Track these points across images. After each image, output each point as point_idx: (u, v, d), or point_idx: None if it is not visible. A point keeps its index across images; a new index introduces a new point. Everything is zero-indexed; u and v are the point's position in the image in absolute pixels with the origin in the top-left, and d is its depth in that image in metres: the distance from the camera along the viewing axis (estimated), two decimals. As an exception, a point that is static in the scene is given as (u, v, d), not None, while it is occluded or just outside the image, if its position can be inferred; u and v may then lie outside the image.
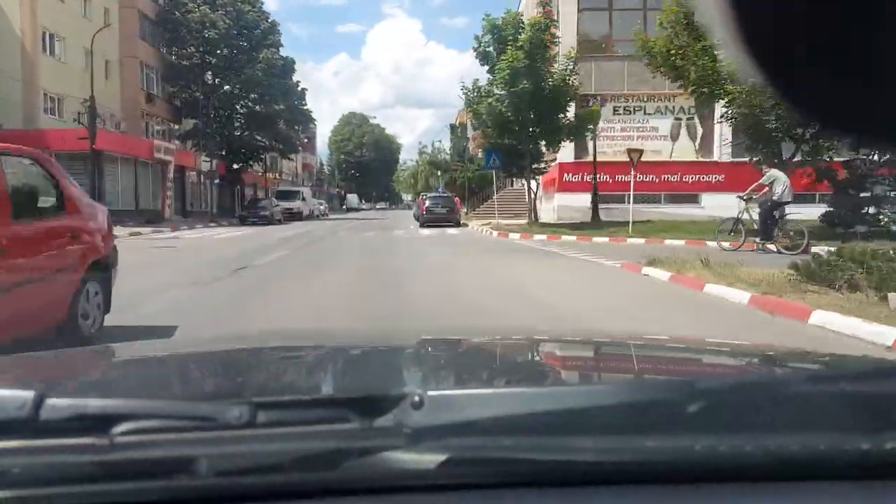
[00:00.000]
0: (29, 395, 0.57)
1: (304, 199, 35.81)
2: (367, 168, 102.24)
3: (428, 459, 0.56)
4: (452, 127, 43.68)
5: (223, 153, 34.40)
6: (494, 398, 0.67)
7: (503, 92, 16.43)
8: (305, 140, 47.71)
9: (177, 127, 34.88)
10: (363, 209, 79.68)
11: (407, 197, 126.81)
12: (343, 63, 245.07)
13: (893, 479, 0.60)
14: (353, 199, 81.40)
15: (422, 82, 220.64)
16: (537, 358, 1.37)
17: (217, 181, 29.33)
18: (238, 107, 35.37)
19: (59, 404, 0.57)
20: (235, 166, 34.75)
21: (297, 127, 36.53)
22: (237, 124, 35.72)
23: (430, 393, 0.61)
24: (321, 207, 45.45)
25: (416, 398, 0.59)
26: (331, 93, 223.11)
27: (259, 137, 35.75)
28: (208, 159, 28.70)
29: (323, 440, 0.57)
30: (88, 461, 0.55)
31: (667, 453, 0.59)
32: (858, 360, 1.28)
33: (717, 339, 2.27)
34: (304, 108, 36.53)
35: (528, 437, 0.59)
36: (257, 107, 35.61)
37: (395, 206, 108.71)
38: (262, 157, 37.00)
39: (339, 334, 2.06)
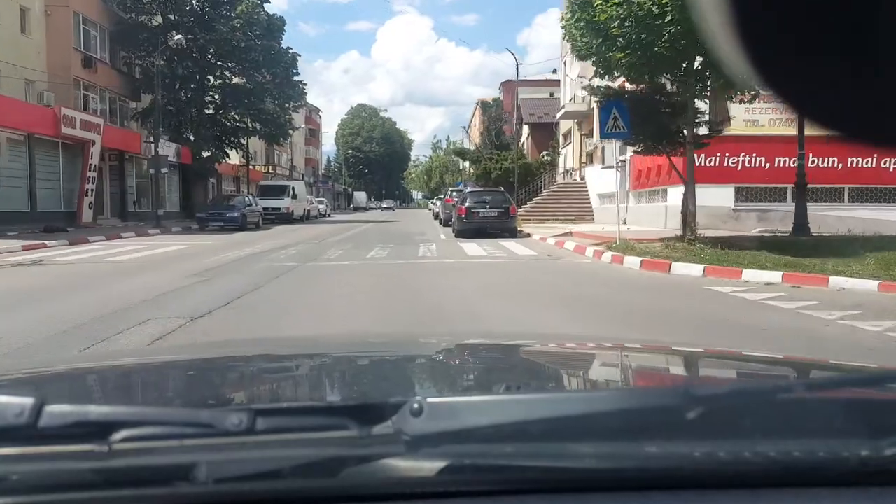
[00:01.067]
0: (28, 401, 0.56)
1: (293, 195, 27.69)
2: (377, 164, 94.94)
3: (427, 466, 0.56)
4: (485, 105, 35.10)
5: (190, 137, 26.39)
6: (494, 405, 0.66)
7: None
8: (298, 127, 39.52)
9: (134, 105, 26.80)
10: (372, 208, 72.22)
11: (417, 195, 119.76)
12: (353, 61, 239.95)
13: (893, 486, 0.59)
14: (360, 196, 73.32)
15: (431, 80, 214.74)
16: (536, 365, 1.34)
17: (165, 170, 21.07)
18: (211, 77, 27.31)
19: (58, 411, 0.57)
20: (206, 154, 26.68)
21: (287, 105, 28.39)
22: (209, 99, 27.66)
23: (430, 400, 0.60)
24: (321, 206, 37.42)
25: (416, 405, 0.58)
26: (341, 90, 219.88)
27: (238, 117, 27.67)
28: (151, 140, 20.53)
29: (322, 447, 0.57)
30: (87, 468, 0.54)
31: (666, 459, 0.59)
32: (857, 367, 1.23)
33: (716, 346, 2.26)
34: (297, 79, 28.44)
35: (528, 444, 0.59)
36: (235, 77, 27.56)
37: (404, 205, 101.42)
38: (243, 142, 28.85)
39: (339, 342, 1.90)
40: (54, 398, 0.60)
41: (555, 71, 35.73)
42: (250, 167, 41.33)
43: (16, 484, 0.54)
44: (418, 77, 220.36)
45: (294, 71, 28.06)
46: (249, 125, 28.23)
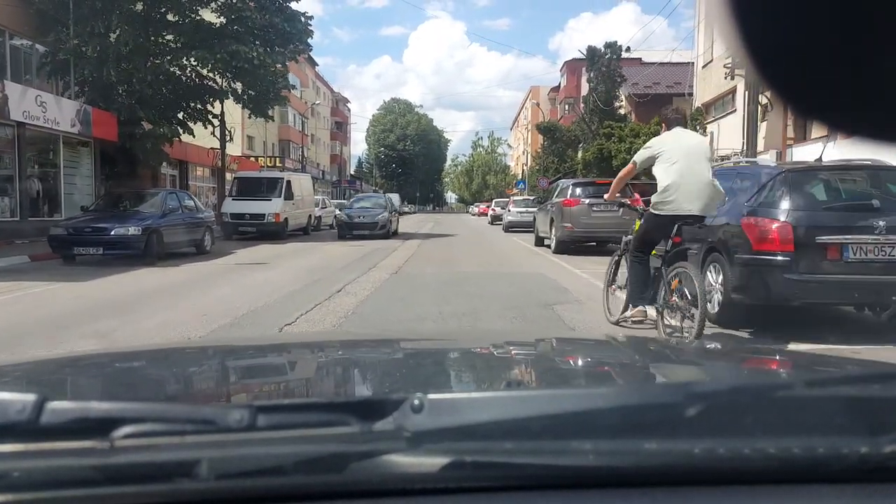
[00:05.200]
0: (30, 398, 0.56)
1: (287, 195, 16.96)
2: (411, 164, 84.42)
3: (428, 463, 0.56)
4: (592, 53, 23.12)
5: (122, 98, 15.94)
6: (494, 401, 0.66)
7: None
8: (294, 87, 29.04)
9: (43, 50, 16.42)
10: (406, 212, 61.68)
11: (451, 197, 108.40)
12: (386, 65, 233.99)
13: (892, 483, 0.59)
14: (393, 200, 62.33)
15: (462, 84, 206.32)
16: (537, 361, 1.32)
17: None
18: (165, 8, 16.85)
19: (60, 408, 0.57)
20: (146, 125, 16.14)
21: (279, 48, 17.71)
22: (158, 40, 17.19)
23: (431, 396, 0.59)
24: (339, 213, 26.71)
25: (416, 401, 0.58)
26: (373, 95, 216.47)
27: (200, 68, 17.09)
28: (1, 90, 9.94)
29: (323, 443, 0.57)
30: (89, 465, 0.54)
31: (666, 456, 0.59)
32: (857, 364, 1.22)
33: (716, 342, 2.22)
34: (295, 7, 17.55)
35: (528, 441, 0.58)
36: (202, 9, 17.07)
37: (438, 209, 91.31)
38: (212, 110, 18.20)
39: (341, 338, 1.92)
40: (56, 394, 0.59)
41: (628, 49, 25.68)
42: (252, 159, 30.99)
43: (17, 480, 0.53)
44: (449, 81, 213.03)
45: (290, -6, 17.25)
46: (220, 83, 17.61)
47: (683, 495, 0.58)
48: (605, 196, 4.85)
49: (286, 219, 16.73)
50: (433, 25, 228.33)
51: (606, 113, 21.12)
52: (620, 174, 4.58)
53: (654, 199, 4.25)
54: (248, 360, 1.28)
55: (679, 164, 4.06)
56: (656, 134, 16.89)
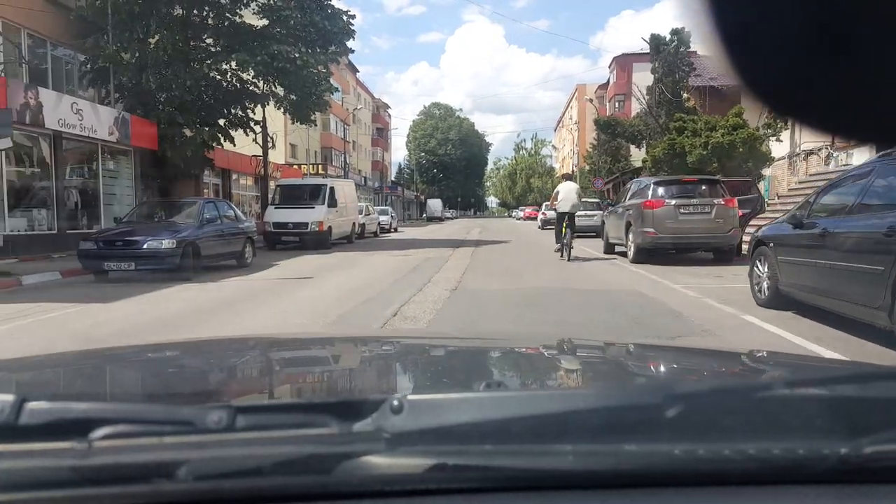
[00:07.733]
0: (9, 398, 0.56)
1: (331, 202, 16.06)
2: (453, 169, 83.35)
3: (407, 464, 0.56)
4: (657, 42, 21.08)
5: (161, 105, 15.35)
6: (474, 403, 0.66)
7: None
8: (338, 88, 28.39)
9: (83, 59, 15.99)
10: (448, 217, 60.98)
11: (492, 202, 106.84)
12: (423, 71, 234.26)
13: (872, 483, 0.59)
14: (435, 205, 62.28)
15: (500, 87, 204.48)
16: (517, 363, 1.31)
17: (6, 142, 9.54)
18: (197, 11, 16.24)
19: (39, 408, 0.57)
20: (187, 132, 15.50)
21: (320, 50, 16.83)
22: (198, 45, 16.58)
23: (410, 397, 0.59)
24: (383, 219, 25.89)
25: (396, 402, 0.58)
26: (411, 101, 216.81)
27: (241, 73, 16.37)
28: (32, 97, 9.19)
29: (302, 444, 0.57)
30: (68, 466, 0.54)
31: (646, 457, 0.59)
32: (837, 365, 1.21)
33: (696, 344, 2.10)
34: (337, 4, 16.64)
35: (508, 442, 0.58)
36: (241, 11, 16.38)
37: (480, 214, 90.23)
38: (253, 116, 17.47)
39: (321, 339, 1.87)
40: (35, 395, 0.59)
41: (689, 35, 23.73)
42: (295, 167, 30.50)
43: None
44: (487, 84, 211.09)
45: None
46: (262, 86, 16.87)
47: (663, 497, 0.57)
48: (548, 204, 11.33)
49: (330, 227, 15.86)
50: (470, 29, 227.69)
51: (675, 105, 19.35)
52: (552, 196, 11.85)
53: (554, 204, 11.38)
54: (229, 359, 1.26)
55: (563, 193, 11.12)
56: (736, 126, 16.68)
